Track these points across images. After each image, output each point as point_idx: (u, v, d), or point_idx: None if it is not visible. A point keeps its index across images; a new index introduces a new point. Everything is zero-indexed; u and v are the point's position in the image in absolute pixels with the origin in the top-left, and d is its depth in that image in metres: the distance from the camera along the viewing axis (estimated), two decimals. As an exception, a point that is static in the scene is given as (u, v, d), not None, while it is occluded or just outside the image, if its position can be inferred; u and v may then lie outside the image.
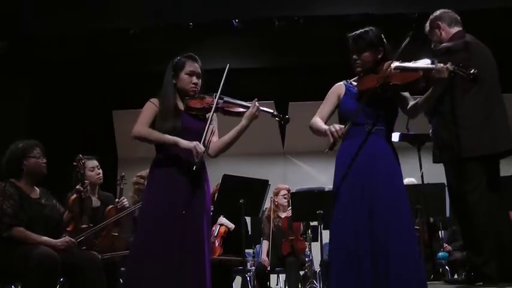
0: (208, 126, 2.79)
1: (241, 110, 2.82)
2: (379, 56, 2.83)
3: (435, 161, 3.31)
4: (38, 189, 3.51)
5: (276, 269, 5.24)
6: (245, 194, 4.34)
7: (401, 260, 2.57)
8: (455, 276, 4.98)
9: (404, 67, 2.73)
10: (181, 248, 2.68)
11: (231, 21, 6.01)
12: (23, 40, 6.06)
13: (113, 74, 7.01)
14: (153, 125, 2.83)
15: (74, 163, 3.68)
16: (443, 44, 3.28)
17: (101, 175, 4.13)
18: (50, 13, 5.90)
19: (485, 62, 3.27)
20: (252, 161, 7.73)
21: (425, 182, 4.46)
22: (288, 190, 5.40)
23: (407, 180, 5.38)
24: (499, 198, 3.20)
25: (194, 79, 2.89)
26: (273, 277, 5.73)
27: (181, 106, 2.89)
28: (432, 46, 3.41)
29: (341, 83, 2.94)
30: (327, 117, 2.89)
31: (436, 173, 3.92)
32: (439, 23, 3.38)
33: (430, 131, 3.37)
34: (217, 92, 2.82)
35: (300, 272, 5.20)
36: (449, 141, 3.17)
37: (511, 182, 3.97)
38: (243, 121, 2.81)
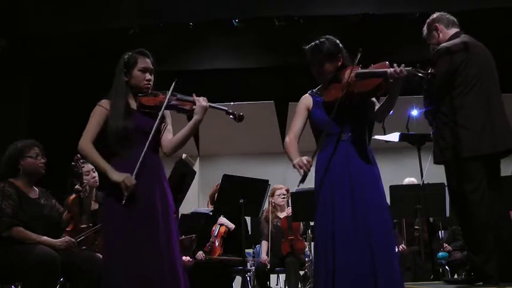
0: (157, 125, 2.73)
1: (194, 107, 2.77)
2: (339, 64, 2.85)
3: (436, 162, 3.31)
4: (37, 189, 3.51)
5: (276, 269, 5.24)
6: (245, 194, 4.34)
7: (384, 261, 2.62)
8: (455, 276, 4.99)
9: (364, 74, 2.72)
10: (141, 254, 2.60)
11: (231, 21, 6.00)
12: (22, 39, 6.05)
13: (113, 74, 6.99)
14: (105, 127, 2.76)
15: (72, 163, 3.67)
16: (442, 45, 3.29)
17: (97, 178, 4.13)
18: (50, 12, 5.89)
19: (484, 62, 3.27)
20: (252, 161, 7.73)
21: (425, 182, 4.47)
22: (287, 190, 5.40)
23: (407, 180, 5.40)
24: (499, 198, 3.20)
25: (148, 75, 2.80)
26: (273, 277, 5.74)
27: (133, 105, 2.80)
28: (431, 48, 3.42)
29: (307, 94, 2.96)
30: (299, 132, 2.90)
31: (436, 173, 3.93)
32: (437, 25, 3.40)
33: (431, 132, 3.37)
34: (169, 90, 2.77)
35: (300, 272, 5.20)
36: (450, 141, 3.17)
37: (511, 182, 3.98)
38: (196, 116, 2.74)
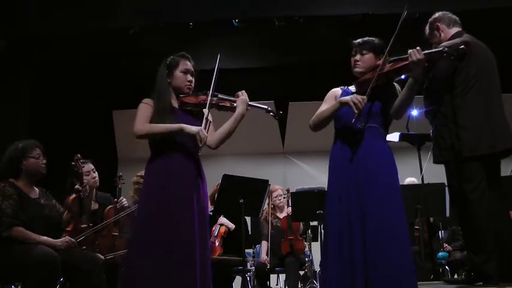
0: (207, 118, 2.82)
1: (235, 104, 2.88)
2: (378, 63, 2.88)
3: (435, 161, 3.31)
4: (37, 189, 3.51)
5: (276, 269, 5.24)
6: (245, 194, 4.33)
7: (391, 260, 2.61)
8: (455, 276, 4.98)
9: (395, 58, 2.84)
10: (172, 248, 2.67)
11: (231, 21, 6.01)
12: (22, 39, 6.05)
13: (113, 74, 7.01)
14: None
15: (72, 163, 3.68)
16: (443, 44, 3.28)
17: (97, 178, 4.14)
18: (50, 12, 5.90)
19: (485, 62, 3.27)
20: (252, 161, 7.73)
21: (425, 182, 4.46)
22: (288, 190, 5.40)
23: (407, 180, 5.40)
24: (499, 198, 3.20)
25: (189, 77, 2.93)
26: (273, 277, 5.73)
27: (175, 104, 2.92)
28: (433, 48, 3.42)
29: (337, 88, 3.03)
30: None
31: (436, 173, 3.92)
32: (438, 24, 3.40)
33: (431, 131, 3.37)
34: (209, 90, 2.87)
35: (300, 272, 5.19)
36: (449, 141, 3.17)
37: (511, 182, 3.97)
38: (238, 109, 2.85)
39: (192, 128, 2.75)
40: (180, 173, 2.77)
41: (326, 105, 2.97)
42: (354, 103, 2.71)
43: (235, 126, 2.87)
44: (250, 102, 2.87)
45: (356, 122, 2.75)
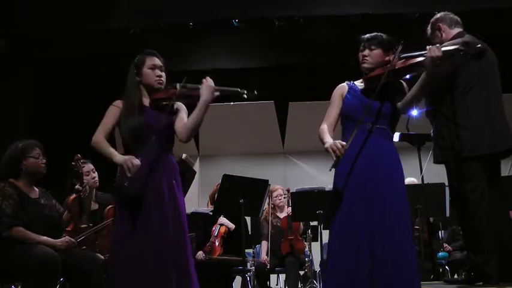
0: (168, 119, 2.81)
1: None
2: (387, 59, 2.85)
3: (436, 161, 3.31)
4: (37, 189, 3.51)
5: (276, 269, 5.24)
6: (245, 194, 4.33)
7: (396, 260, 2.61)
8: (455, 276, 4.98)
9: (407, 56, 2.80)
10: (146, 245, 2.68)
11: (231, 21, 6.01)
12: (22, 39, 6.05)
13: (113, 74, 6.99)
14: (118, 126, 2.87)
15: (72, 163, 3.68)
16: (444, 44, 3.29)
17: (97, 178, 4.13)
18: (50, 12, 5.90)
19: (485, 62, 3.27)
20: (252, 161, 7.73)
21: (425, 182, 4.47)
22: (288, 190, 5.39)
23: (407, 180, 5.39)
24: (499, 198, 3.20)
25: (157, 72, 2.88)
26: (273, 277, 5.74)
27: (146, 102, 2.89)
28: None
29: (344, 83, 2.96)
30: (335, 121, 2.90)
31: (436, 173, 3.93)
32: (440, 24, 3.40)
33: (431, 131, 3.38)
34: (181, 82, 2.83)
35: (300, 272, 5.20)
36: (450, 141, 3.18)
37: (511, 182, 3.98)
38: (202, 97, 2.73)
39: (118, 158, 2.72)
40: (150, 170, 2.77)
41: (332, 108, 2.91)
42: (333, 150, 2.63)
43: (202, 115, 2.75)
44: (216, 87, 2.75)
45: (332, 169, 2.72)
